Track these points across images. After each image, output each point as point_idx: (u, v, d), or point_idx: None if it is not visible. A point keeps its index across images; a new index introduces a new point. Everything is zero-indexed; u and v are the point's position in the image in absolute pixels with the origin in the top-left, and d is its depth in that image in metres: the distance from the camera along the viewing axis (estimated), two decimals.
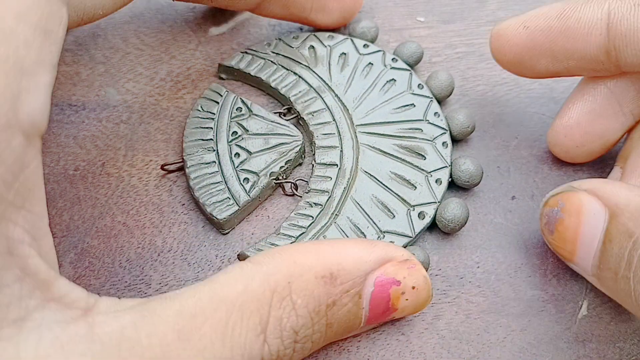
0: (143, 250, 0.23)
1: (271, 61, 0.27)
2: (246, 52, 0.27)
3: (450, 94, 0.26)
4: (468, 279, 0.23)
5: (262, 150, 0.24)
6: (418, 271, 0.20)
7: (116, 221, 0.24)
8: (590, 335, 0.22)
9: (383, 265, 0.19)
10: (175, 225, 0.24)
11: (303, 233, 0.23)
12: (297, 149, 0.24)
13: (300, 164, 0.25)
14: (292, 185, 0.24)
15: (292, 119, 0.26)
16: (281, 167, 0.24)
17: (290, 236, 0.23)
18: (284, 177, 0.24)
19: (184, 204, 0.24)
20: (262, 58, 0.27)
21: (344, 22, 0.28)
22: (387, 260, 0.20)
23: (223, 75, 0.27)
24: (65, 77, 0.27)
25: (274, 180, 0.24)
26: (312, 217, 0.23)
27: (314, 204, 0.23)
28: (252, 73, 0.26)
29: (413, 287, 0.20)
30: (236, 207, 0.23)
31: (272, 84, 0.26)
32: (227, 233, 0.24)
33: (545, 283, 0.23)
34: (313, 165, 0.24)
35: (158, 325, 0.16)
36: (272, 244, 0.22)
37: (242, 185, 0.23)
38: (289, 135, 0.25)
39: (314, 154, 0.25)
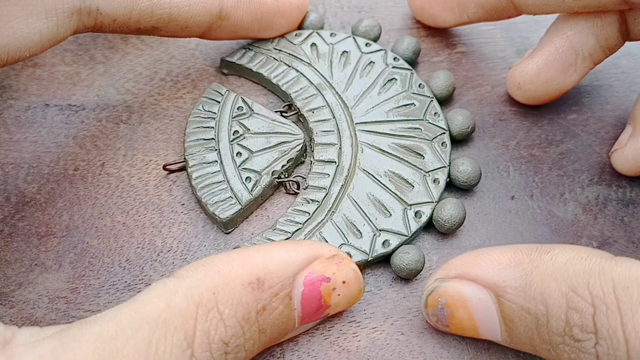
0: (143, 250, 0.23)
1: (273, 57, 0.27)
2: (249, 48, 0.27)
3: (451, 94, 0.26)
4: None
5: (263, 149, 0.24)
6: (347, 265, 0.20)
7: (116, 221, 0.24)
8: None
9: (311, 263, 0.19)
10: (175, 225, 0.24)
11: (299, 229, 0.23)
12: (299, 147, 0.24)
13: (302, 162, 0.25)
14: (295, 183, 0.24)
15: (292, 115, 0.26)
16: (283, 166, 0.24)
17: (286, 232, 0.23)
18: (286, 175, 0.24)
19: (183, 204, 0.24)
20: (264, 54, 0.27)
21: (291, 31, 0.28)
22: (314, 258, 0.19)
23: (225, 70, 0.27)
24: (65, 77, 0.27)
25: (276, 179, 0.24)
26: (309, 214, 0.23)
27: (311, 200, 0.23)
28: (254, 69, 0.27)
29: (343, 282, 0.20)
30: (239, 207, 0.23)
31: (274, 80, 0.26)
32: (229, 232, 0.24)
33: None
34: (311, 162, 0.24)
35: (77, 351, 0.16)
36: (268, 239, 0.22)
37: (244, 184, 0.23)
38: (291, 133, 0.25)
39: (312, 151, 0.25)
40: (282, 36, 0.27)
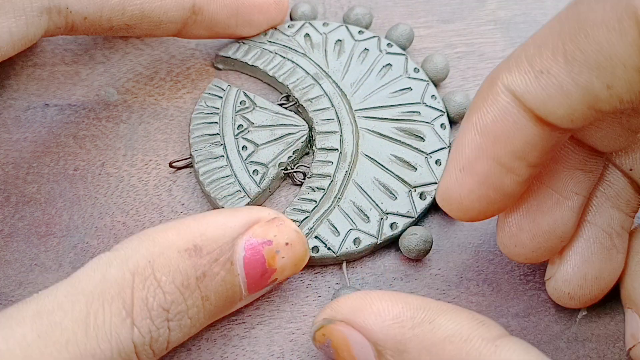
0: None
1: (267, 50, 0.27)
2: (242, 42, 0.27)
3: (446, 77, 0.27)
4: (468, 278, 0.23)
5: (269, 142, 0.25)
6: (288, 227, 0.20)
7: (116, 221, 0.24)
8: (589, 335, 0.22)
9: (251, 227, 0.19)
10: None
11: (307, 217, 0.23)
12: (304, 138, 0.25)
13: (307, 154, 0.25)
14: (301, 174, 0.25)
15: (290, 106, 0.26)
16: (289, 157, 0.24)
17: (294, 220, 0.23)
18: (292, 166, 0.25)
19: (183, 204, 0.24)
20: (258, 47, 0.27)
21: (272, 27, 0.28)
22: (254, 222, 0.19)
23: (220, 66, 0.27)
24: (65, 77, 0.27)
25: (283, 171, 0.24)
26: (315, 201, 0.23)
27: (317, 188, 0.24)
28: (250, 62, 0.27)
29: (286, 244, 0.20)
30: (248, 199, 0.23)
31: (270, 73, 0.26)
32: None
33: (545, 283, 0.23)
34: (314, 150, 0.25)
35: (16, 328, 0.16)
36: None
37: (252, 177, 0.24)
38: (295, 125, 0.25)
39: (314, 140, 0.25)
40: (274, 28, 0.27)
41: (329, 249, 0.22)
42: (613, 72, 0.15)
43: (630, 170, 0.21)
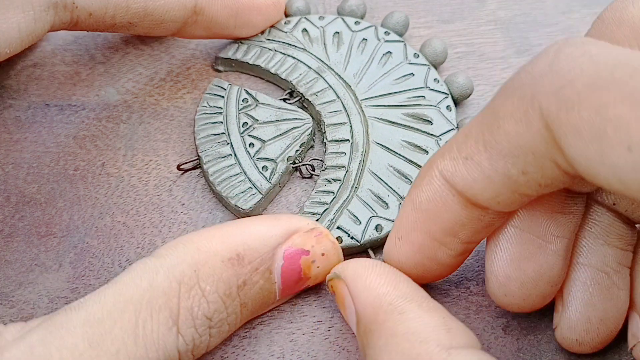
0: (143, 250, 0.23)
1: (267, 48, 0.27)
2: (241, 42, 0.27)
3: (445, 60, 0.27)
4: (468, 278, 0.23)
5: (275, 137, 0.25)
6: (325, 238, 0.20)
7: (116, 221, 0.24)
8: None
9: (290, 237, 0.20)
10: (175, 225, 0.24)
11: (327, 209, 0.23)
12: (309, 131, 0.25)
13: (312, 147, 0.26)
14: (310, 167, 0.25)
15: (295, 101, 0.26)
16: (297, 151, 0.25)
17: (314, 213, 0.23)
18: (300, 160, 0.25)
19: (183, 204, 0.24)
20: (257, 46, 0.27)
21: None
22: (293, 232, 0.20)
23: (220, 68, 0.27)
24: (65, 77, 0.27)
25: (291, 165, 0.24)
26: (333, 193, 0.24)
27: (333, 179, 0.24)
28: (250, 62, 0.27)
29: (323, 254, 0.20)
30: (260, 196, 0.24)
31: (272, 70, 0.27)
32: None
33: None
34: (325, 143, 0.25)
35: (67, 338, 0.16)
36: None
37: (262, 173, 0.24)
38: (299, 119, 0.25)
39: (324, 132, 0.25)
40: (272, 26, 0.28)
41: (352, 238, 0.23)
42: (525, 159, 0.16)
43: (614, 204, 0.20)
